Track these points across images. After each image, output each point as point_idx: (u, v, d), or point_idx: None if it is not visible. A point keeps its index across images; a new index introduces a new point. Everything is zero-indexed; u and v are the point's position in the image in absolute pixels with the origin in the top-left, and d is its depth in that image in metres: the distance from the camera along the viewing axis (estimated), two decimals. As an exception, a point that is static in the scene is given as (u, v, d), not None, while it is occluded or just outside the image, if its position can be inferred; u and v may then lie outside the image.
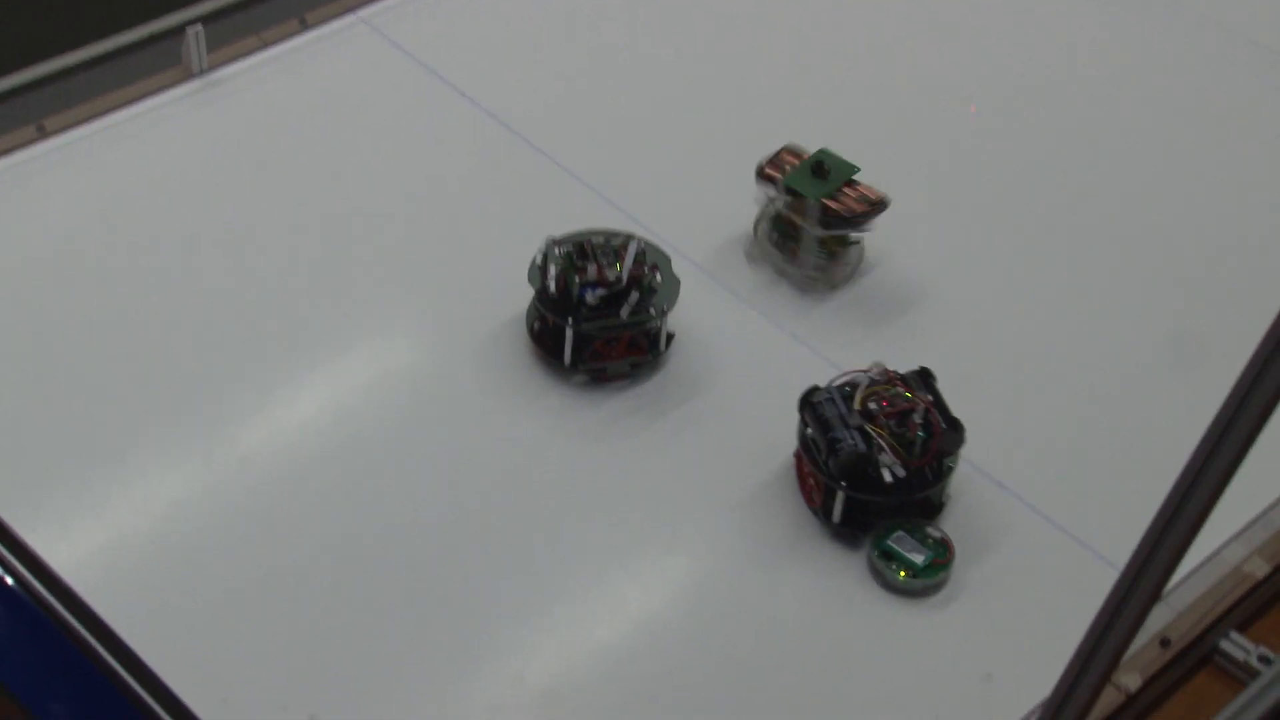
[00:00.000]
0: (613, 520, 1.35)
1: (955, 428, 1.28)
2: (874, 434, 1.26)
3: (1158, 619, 1.31)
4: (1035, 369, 1.54)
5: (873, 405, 1.29)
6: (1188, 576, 1.33)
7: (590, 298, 1.39)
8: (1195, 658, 1.33)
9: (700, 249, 1.58)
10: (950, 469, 1.30)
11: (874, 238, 1.58)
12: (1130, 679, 1.26)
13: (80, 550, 1.27)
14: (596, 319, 1.39)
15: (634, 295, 1.40)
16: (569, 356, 1.41)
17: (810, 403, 1.30)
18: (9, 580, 1.21)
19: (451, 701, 1.22)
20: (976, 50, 1.89)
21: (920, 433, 1.28)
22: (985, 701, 1.26)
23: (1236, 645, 1.33)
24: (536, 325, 1.45)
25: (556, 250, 1.41)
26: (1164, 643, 1.30)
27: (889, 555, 1.26)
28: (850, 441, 1.26)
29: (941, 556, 1.26)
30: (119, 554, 1.29)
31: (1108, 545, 1.36)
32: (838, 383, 1.32)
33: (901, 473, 1.26)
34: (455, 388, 1.44)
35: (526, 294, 1.45)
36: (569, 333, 1.39)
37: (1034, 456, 1.44)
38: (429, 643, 1.25)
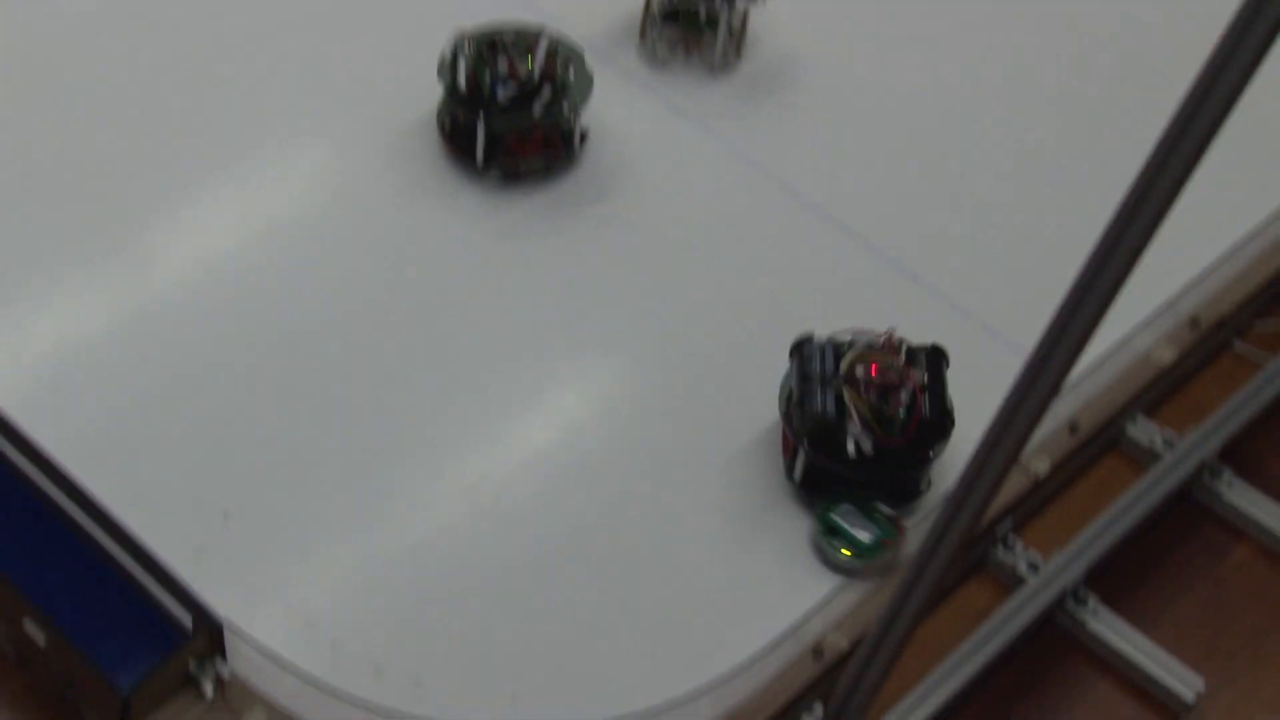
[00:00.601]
0: (528, 319, 1.36)
1: (942, 418, 1.19)
2: (850, 401, 1.19)
3: (1067, 405, 1.34)
4: (933, 151, 1.55)
5: (860, 371, 1.20)
6: (1097, 364, 1.35)
7: (502, 94, 1.37)
8: (1102, 443, 1.36)
9: (605, 41, 1.57)
10: (931, 458, 1.22)
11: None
12: (1040, 464, 1.29)
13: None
14: (509, 115, 1.38)
15: (547, 91, 1.38)
16: (481, 156, 1.40)
17: (800, 352, 1.23)
18: None
19: (372, 496, 1.24)
20: None
21: (902, 411, 1.19)
22: None
23: (1142, 430, 1.36)
24: (448, 123, 1.43)
25: (467, 45, 1.38)
26: (1073, 428, 1.33)
27: (834, 530, 1.20)
28: (820, 402, 1.19)
29: (890, 536, 1.19)
30: (29, 360, 1.29)
31: (1015, 332, 1.36)
32: (844, 337, 1.24)
33: (869, 448, 1.18)
34: (367, 188, 1.43)
35: (437, 91, 1.43)
36: (481, 130, 1.38)
37: (936, 242, 1.46)
38: (345, 439, 1.27)
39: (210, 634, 1.10)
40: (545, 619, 1.18)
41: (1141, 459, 1.36)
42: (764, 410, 1.27)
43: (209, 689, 1.10)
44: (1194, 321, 1.42)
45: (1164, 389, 1.41)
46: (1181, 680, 1.24)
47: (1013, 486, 1.28)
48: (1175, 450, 1.34)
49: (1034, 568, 1.27)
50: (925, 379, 1.20)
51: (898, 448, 1.18)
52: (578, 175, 1.45)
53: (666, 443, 1.29)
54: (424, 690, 1.14)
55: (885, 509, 1.20)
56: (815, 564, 1.23)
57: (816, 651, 1.19)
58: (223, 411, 1.28)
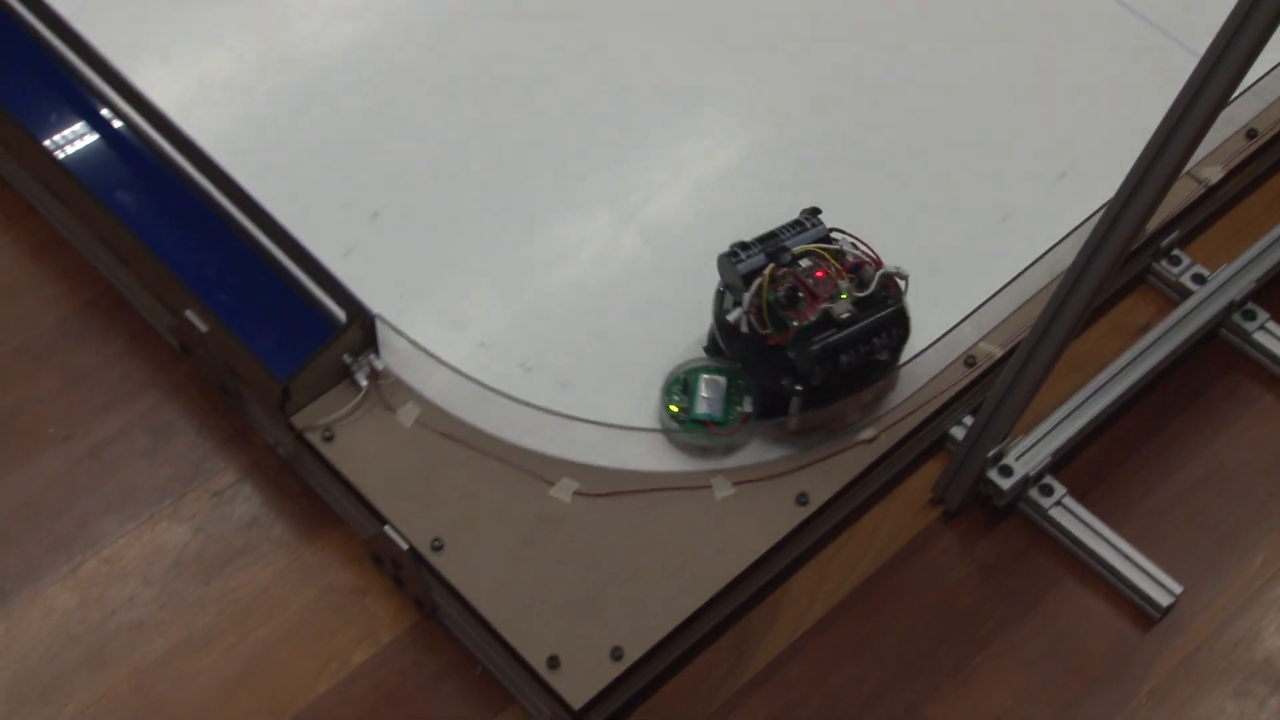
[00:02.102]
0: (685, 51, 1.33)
1: (824, 356, 1.10)
2: (764, 276, 1.12)
3: (1245, 109, 1.29)
4: None
5: (804, 263, 1.12)
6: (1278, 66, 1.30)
7: None
8: (1274, 159, 1.32)
9: None
10: (796, 390, 1.13)
11: None
12: (1211, 171, 1.25)
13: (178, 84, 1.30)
14: None
15: None
16: None
17: (806, 224, 1.16)
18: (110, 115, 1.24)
19: (521, 206, 1.25)
20: None
21: (792, 322, 1.11)
22: (1057, 198, 1.27)
23: None
24: None
25: None
26: (1250, 134, 1.28)
27: (685, 387, 1.16)
28: (747, 260, 1.13)
29: (720, 422, 1.13)
30: (185, 62, 1.31)
31: (1189, 34, 1.33)
32: (834, 229, 1.16)
33: (745, 327, 1.13)
34: None
35: None
36: None
37: None
38: (497, 146, 1.28)
39: (364, 327, 1.13)
40: (689, 327, 1.20)
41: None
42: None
43: (363, 380, 1.14)
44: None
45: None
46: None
47: (1180, 194, 1.25)
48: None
49: (1200, 280, 1.24)
50: (829, 302, 1.11)
51: (764, 342, 1.13)
52: None
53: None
54: (571, 390, 1.16)
55: (749, 404, 1.15)
56: (972, 274, 1.23)
57: (969, 360, 1.19)
58: (376, 113, 1.29)
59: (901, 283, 1.12)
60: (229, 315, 1.14)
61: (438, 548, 1.08)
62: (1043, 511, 1.17)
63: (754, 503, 1.12)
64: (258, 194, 1.19)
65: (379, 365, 1.14)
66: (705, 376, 1.16)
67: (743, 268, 1.11)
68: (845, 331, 1.10)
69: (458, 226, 1.24)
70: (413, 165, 1.27)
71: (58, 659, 1.10)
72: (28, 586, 1.13)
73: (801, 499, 1.12)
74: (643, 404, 1.16)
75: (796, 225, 1.14)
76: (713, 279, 1.15)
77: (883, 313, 1.11)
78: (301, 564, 1.15)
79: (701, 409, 1.14)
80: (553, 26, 1.37)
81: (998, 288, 1.22)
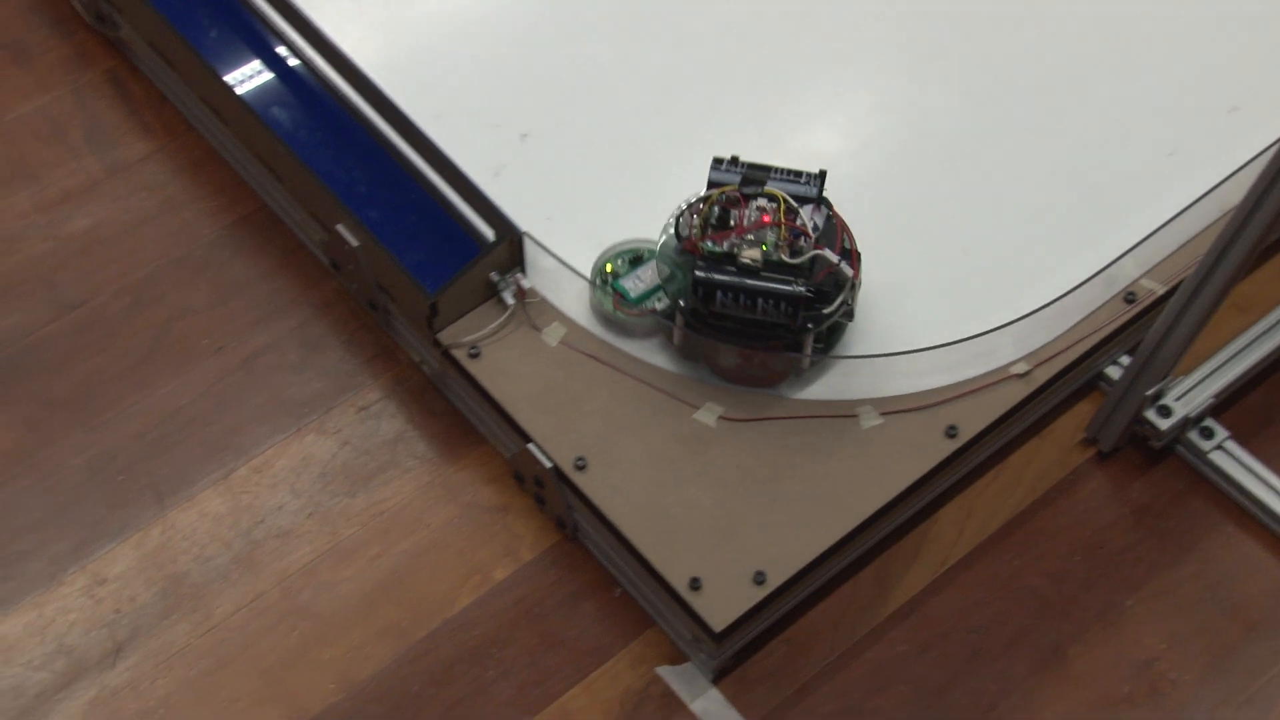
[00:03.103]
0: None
1: (697, 273, 1.10)
2: (719, 190, 1.14)
3: None
4: None
5: (763, 202, 1.12)
6: None
7: None
8: None
9: None
10: (679, 305, 1.13)
11: None
12: None
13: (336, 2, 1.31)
14: None
15: None
16: None
17: (819, 180, 1.16)
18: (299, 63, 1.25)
19: (664, 133, 1.24)
20: None
21: (712, 233, 1.12)
22: (1227, 134, 1.25)
23: None
24: None
25: None
26: None
27: (637, 260, 1.17)
28: (720, 168, 1.14)
29: (629, 303, 1.15)
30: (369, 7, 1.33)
31: None
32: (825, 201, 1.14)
33: (684, 228, 1.13)
34: None
35: None
36: None
37: None
38: (635, 74, 1.28)
39: (512, 245, 1.14)
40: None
41: None
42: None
43: (510, 298, 1.14)
44: None
45: None
46: None
47: None
48: None
49: None
50: (740, 260, 1.10)
51: (685, 250, 1.13)
52: None
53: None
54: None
55: (660, 303, 1.15)
56: (1136, 209, 1.22)
57: (1128, 296, 1.17)
58: (528, 35, 1.30)
59: (842, 281, 1.10)
60: (380, 231, 1.15)
61: (581, 467, 1.09)
62: (1202, 455, 1.16)
63: (901, 433, 1.12)
64: (410, 113, 1.20)
65: (525, 284, 1.15)
66: (655, 262, 1.16)
67: (714, 176, 1.13)
68: (733, 276, 1.09)
69: (608, 148, 1.25)
70: (563, 87, 1.28)
71: (210, 562, 1.13)
72: (182, 491, 1.16)
73: (950, 431, 1.11)
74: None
75: (794, 174, 1.13)
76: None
77: (781, 284, 1.09)
78: (444, 480, 1.17)
79: (626, 283, 1.16)
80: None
81: (1161, 222, 1.20)
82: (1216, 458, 1.15)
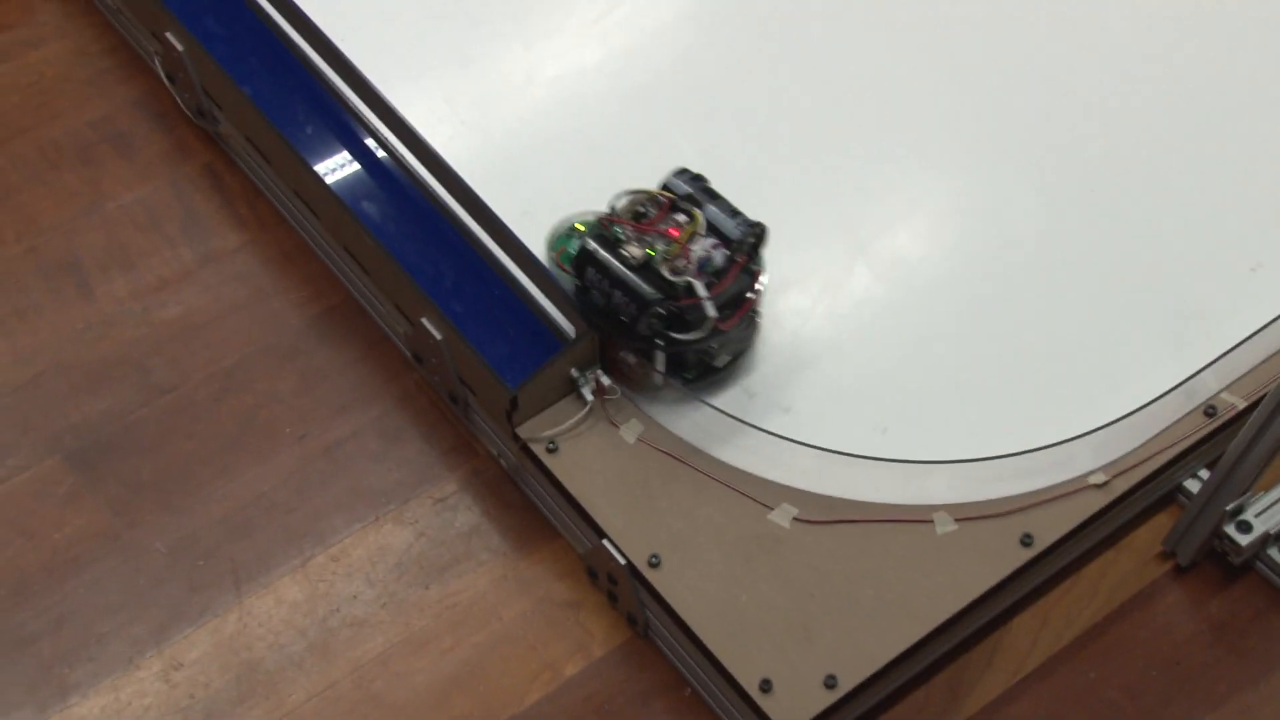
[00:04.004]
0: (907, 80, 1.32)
1: (585, 244, 1.16)
2: (655, 189, 1.19)
3: None
4: None
5: (682, 217, 1.17)
6: None
7: None
8: None
9: None
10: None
11: None
12: None
13: (426, 100, 1.34)
14: None
15: None
16: None
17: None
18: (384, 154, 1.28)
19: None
20: None
21: (620, 219, 1.18)
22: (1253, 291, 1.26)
23: None
24: None
25: None
26: None
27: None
28: (675, 176, 1.20)
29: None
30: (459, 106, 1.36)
31: None
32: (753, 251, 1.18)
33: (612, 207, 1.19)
34: None
35: None
36: None
37: None
38: (714, 176, 1.28)
39: (593, 343, 1.15)
40: (920, 359, 1.21)
41: None
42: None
43: (588, 394, 1.15)
44: None
45: None
46: None
47: None
48: None
49: None
50: (619, 248, 1.16)
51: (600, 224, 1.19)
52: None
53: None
54: (793, 416, 1.17)
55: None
56: (1217, 322, 1.22)
57: (1209, 410, 1.17)
58: (612, 134, 1.32)
59: (703, 321, 1.13)
60: (464, 324, 1.17)
61: (654, 564, 1.09)
62: None
63: (976, 540, 1.11)
64: (498, 209, 1.22)
65: (605, 381, 1.16)
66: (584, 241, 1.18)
67: (668, 180, 1.19)
68: (604, 258, 1.15)
69: None
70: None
71: (284, 649, 1.13)
72: (259, 577, 1.17)
73: (1026, 539, 1.10)
74: (867, 432, 1.17)
75: (734, 212, 1.18)
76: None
77: (639, 283, 1.14)
78: (518, 574, 1.17)
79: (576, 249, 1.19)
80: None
81: (1243, 337, 1.20)
82: (1299, 575, 1.14)
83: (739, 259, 1.15)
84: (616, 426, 1.15)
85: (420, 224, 1.24)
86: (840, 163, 1.34)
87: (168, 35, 1.37)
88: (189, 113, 1.41)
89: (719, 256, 1.14)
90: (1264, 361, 1.20)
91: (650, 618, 1.12)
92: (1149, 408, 1.17)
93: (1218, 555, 1.16)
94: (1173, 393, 1.17)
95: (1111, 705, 1.11)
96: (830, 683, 1.05)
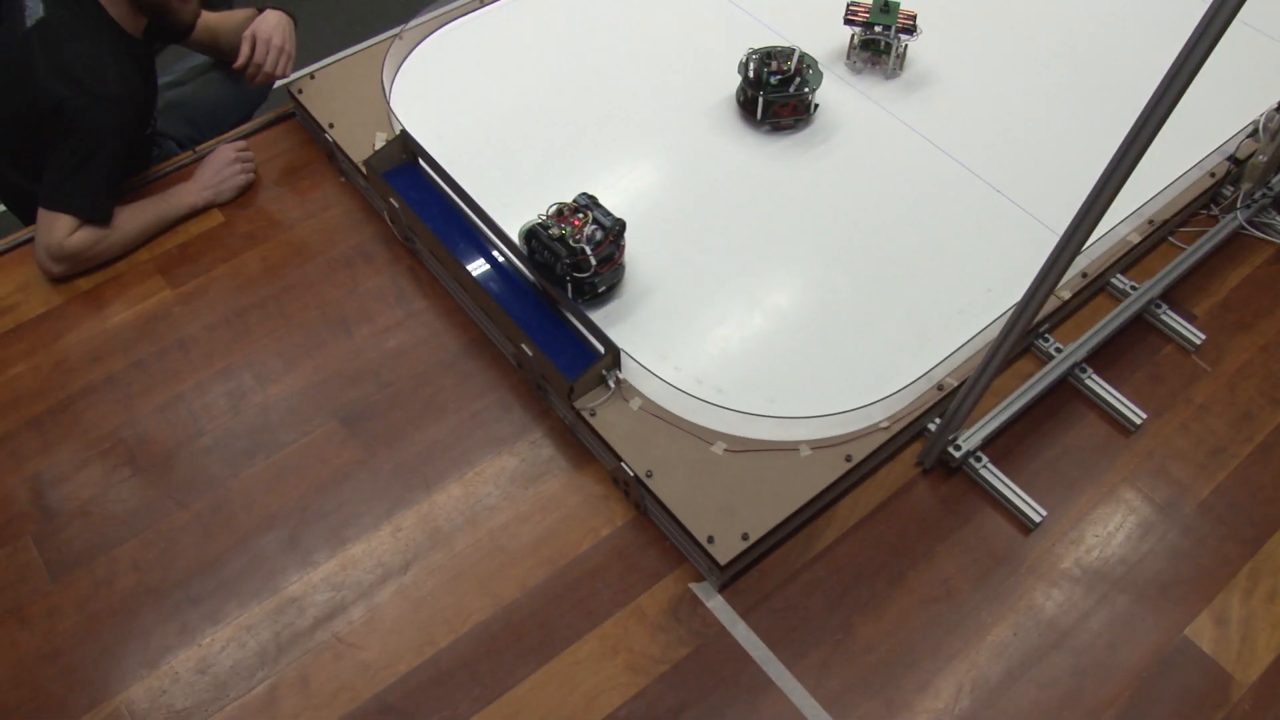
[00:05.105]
0: (783, 204, 1.39)
1: (538, 221, 1.20)
2: (582, 198, 1.24)
3: (1080, 262, 1.33)
4: (1018, 120, 1.48)
5: (591, 228, 1.23)
6: (1098, 239, 1.32)
7: (773, 81, 1.44)
8: (1097, 286, 1.36)
9: (827, 57, 1.58)
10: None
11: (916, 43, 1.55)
12: (1064, 293, 1.30)
13: (519, 223, 1.31)
14: (776, 92, 1.45)
15: (797, 80, 1.45)
16: (760, 115, 1.46)
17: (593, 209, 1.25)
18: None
19: (712, 288, 1.24)
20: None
21: (564, 215, 1.23)
22: (986, 306, 1.31)
23: (1122, 281, 1.35)
24: (742, 97, 1.50)
25: (754, 55, 1.46)
26: (1084, 275, 1.33)
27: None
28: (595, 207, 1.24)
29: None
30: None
31: (1052, 218, 1.34)
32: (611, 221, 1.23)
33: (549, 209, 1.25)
34: (696, 135, 1.47)
35: (735, 80, 1.48)
36: (760, 101, 1.45)
37: (1015, 169, 1.40)
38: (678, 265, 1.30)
39: (614, 355, 1.22)
40: (792, 359, 1.22)
41: (1119, 297, 1.35)
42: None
43: (612, 384, 1.22)
44: (1150, 222, 1.37)
45: (1134, 257, 1.37)
46: (1130, 410, 1.23)
47: (1050, 305, 1.29)
48: (1138, 290, 1.33)
49: (1059, 350, 1.28)
50: (556, 223, 1.21)
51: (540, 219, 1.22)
52: (812, 128, 1.49)
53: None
54: (723, 394, 1.22)
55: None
56: (945, 338, 1.19)
57: (941, 386, 1.23)
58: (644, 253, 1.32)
59: (588, 267, 1.18)
60: (542, 345, 1.23)
61: (649, 476, 1.15)
62: (975, 471, 1.22)
63: (821, 459, 1.17)
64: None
65: (621, 376, 1.22)
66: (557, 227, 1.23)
67: (575, 196, 1.23)
68: (542, 235, 1.21)
69: (673, 297, 1.31)
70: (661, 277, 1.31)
71: (452, 520, 1.19)
72: (439, 483, 1.22)
73: (848, 458, 1.17)
74: (763, 401, 1.19)
75: (606, 213, 1.21)
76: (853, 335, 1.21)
77: (559, 247, 1.20)
78: (575, 482, 1.22)
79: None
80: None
81: (958, 345, 1.26)
82: (984, 472, 1.21)
83: (610, 237, 1.23)
84: (627, 400, 1.21)
85: (516, 289, 1.29)
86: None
87: (390, 200, 1.38)
88: (401, 239, 1.43)
89: (599, 234, 1.22)
90: (968, 359, 1.25)
91: (648, 504, 1.17)
92: (911, 385, 1.22)
93: (944, 463, 1.22)
94: (922, 378, 1.23)
95: (888, 544, 1.18)
96: (744, 537, 1.11)
